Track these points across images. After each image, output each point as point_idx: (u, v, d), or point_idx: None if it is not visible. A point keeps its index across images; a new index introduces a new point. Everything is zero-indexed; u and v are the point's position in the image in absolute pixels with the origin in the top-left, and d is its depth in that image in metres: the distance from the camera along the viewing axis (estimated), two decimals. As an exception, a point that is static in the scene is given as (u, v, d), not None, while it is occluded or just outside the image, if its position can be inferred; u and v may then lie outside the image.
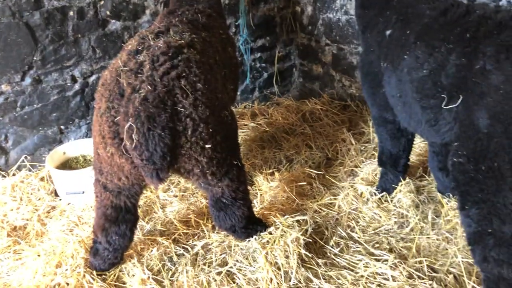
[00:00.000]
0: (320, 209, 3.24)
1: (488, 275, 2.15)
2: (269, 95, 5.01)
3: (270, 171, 3.63)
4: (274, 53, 4.91)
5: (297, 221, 2.95)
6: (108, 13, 3.70)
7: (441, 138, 2.36)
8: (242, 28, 4.37)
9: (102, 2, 3.64)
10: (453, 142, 2.17)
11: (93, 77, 3.76)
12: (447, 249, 2.84)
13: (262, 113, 4.54)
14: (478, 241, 2.13)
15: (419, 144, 3.80)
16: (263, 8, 4.63)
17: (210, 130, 2.35)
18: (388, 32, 2.69)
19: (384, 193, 3.27)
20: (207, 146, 2.36)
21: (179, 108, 2.24)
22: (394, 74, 2.57)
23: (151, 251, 2.85)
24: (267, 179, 3.53)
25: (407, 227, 3.04)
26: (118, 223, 2.63)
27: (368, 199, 3.27)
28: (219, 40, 2.99)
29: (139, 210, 2.82)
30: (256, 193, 3.39)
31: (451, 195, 3.18)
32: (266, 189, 3.42)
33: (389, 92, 2.68)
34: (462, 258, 2.70)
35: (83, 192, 3.32)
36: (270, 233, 2.85)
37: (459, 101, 2.12)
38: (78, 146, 3.71)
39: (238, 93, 4.72)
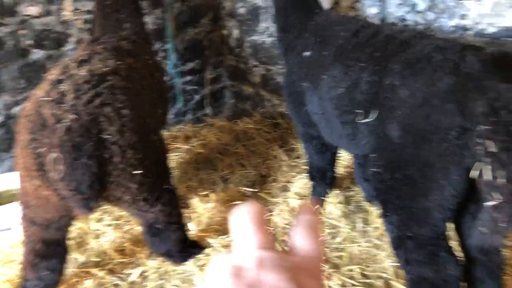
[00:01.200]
0: (256, 226, 3.30)
1: (411, 277, 2.29)
2: (202, 117, 5.05)
3: (206, 192, 3.66)
4: (204, 75, 4.98)
5: (233, 240, 2.98)
6: (30, 42, 3.61)
7: (361, 151, 2.51)
8: (170, 53, 4.41)
9: (23, 31, 3.54)
10: (371, 154, 2.32)
11: (17, 108, 3.63)
12: (376, 255, 2.99)
13: (195, 135, 4.57)
14: (400, 245, 2.27)
15: (346, 157, 3.99)
16: (190, 32, 4.70)
17: (139, 156, 2.35)
18: (307, 54, 2.84)
19: (316, 205, 3.40)
20: (136, 172, 2.36)
21: (105, 136, 2.23)
22: (315, 93, 2.71)
23: (85, 283, 2.76)
24: (203, 200, 3.55)
25: (339, 237, 3.17)
26: (48, 258, 2.54)
27: (301, 213, 3.37)
28: (145, 65, 3.01)
29: (72, 242, 2.74)
30: (192, 216, 3.39)
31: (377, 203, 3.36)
32: (202, 211, 3.43)
33: (312, 110, 2.82)
34: (391, 262, 2.85)
35: (10, 229, 3.17)
36: (207, 254, 2.87)
37: (374, 116, 2.27)
38: (2, 180, 3.55)
39: (171, 116, 4.75)
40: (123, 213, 3.43)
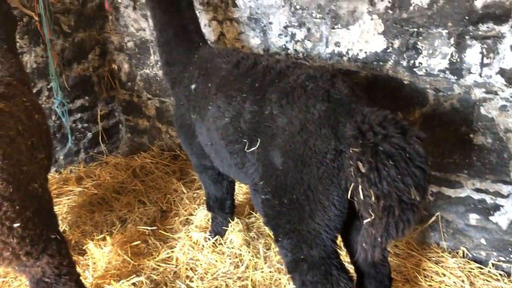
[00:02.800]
0: (158, 265, 3.20)
1: (309, 298, 2.35)
2: (96, 155, 4.84)
3: (102, 236, 3.48)
4: (95, 112, 4.80)
5: (133, 284, 2.87)
6: None
7: (250, 180, 2.55)
8: (55, 91, 4.19)
9: None
10: (259, 181, 2.36)
11: None
12: (279, 279, 3.03)
13: (89, 176, 4.35)
14: (295, 268, 2.32)
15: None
16: (76, 68, 4.52)
17: (17, 207, 2.19)
18: (193, 86, 2.85)
19: (217, 236, 3.38)
20: (15, 225, 2.19)
21: (-25, 190, 2.05)
22: (203, 125, 2.73)
23: None
24: (99, 245, 3.37)
25: (242, 265, 3.17)
26: None
27: (203, 246, 3.34)
28: (22, 108, 2.82)
29: None
30: (88, 263, 3.21)
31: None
32: (99, 256, 3.25)
33: (202, 141, 2.83)
34: (293, 285, 2.90)
35: None
36: (105, 303, 2.71)
37: (258, 144, 2.32)
38: None
39: (61, 157, 4.49)
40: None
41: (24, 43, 4.02)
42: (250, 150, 2.37)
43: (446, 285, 3.01)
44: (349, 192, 1.96)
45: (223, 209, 3.31)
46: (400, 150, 1.87)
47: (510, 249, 3.09)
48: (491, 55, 2.73)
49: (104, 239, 3.43)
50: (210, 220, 3.46)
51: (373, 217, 1.89)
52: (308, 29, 3.37)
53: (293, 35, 3.47)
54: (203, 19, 3.85)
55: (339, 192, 2.11)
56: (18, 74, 3.15)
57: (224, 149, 2.57)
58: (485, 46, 2.74)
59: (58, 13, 4.22)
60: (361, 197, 1.89)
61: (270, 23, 3.54)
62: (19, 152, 2.45)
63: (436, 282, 3.05)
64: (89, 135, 4.80)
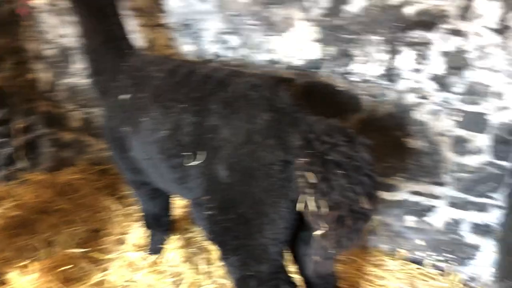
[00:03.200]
0: (91, 290, 2.96)
1: (258, 314, 2.26)
2: (15, 172, 4.43)
3: (26, 262, 3.15)
4: (12, 126, 4.39)
5: (65, 313, 2.62)
6: None
7: (192, 195, 2.42)
8: (-35, 104, 3.78)
9: None
10: (204, 196, 2.24)
11: None
12: (223, 295, 2.92)
13: (8, 196, 3.96)
14: (243, 286, 2.23)
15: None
16: (-11, 79, 4.11)
17: None
18: (124, 97, 2.67)
19: (156, 254, 3.20)
20: None
21: None
22: (137, 138, 2.56)
23: None
24: (23, 272, 3.05)
25: (183, 283, 3.01)
26: None
27: (140, 266, 3.14)
28: None
29: None
30: (11, 294, 2.89)
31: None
32: (23, 285, 2.94)
33: (137, 156, 2.65)
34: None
35: None
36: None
37: (202, 158, 2.20)
38: None
39: (-25, 177, 4.06)
40: None
41: None
42: (192, 164, 2.24)
43: None
44: (299, 204, 1.90)
45: (161, 225, 3.14)
46: (349, 158, 1.85)
47: (444, 248, 3.21)
48: (422, 60, 2.82)
49: (27, 265, 3.11)
50: (148, 238, 3.27)
51: (324, 228, 1.85)
52: (242, 36, 3.30)
53: (226, 42, 3.38)
54: (131, 25, 3.64)
55: (288, 204, 2.05)
56: None
57: (163, 163, 2.42)
58: (416, 52, 2.82)
59: (-34, 18, 3.82)
60: (312, 208, 1.84)
61: (203, 29, 3.43)
62: None
63: (378, 285, 3.09)
64: (7, 151, 4.38)
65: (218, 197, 2.16)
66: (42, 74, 4.40)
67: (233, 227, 2.14)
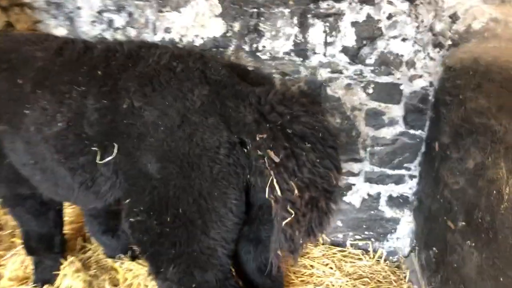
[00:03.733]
0: None
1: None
2: None
3: None
4: None
5: None
6: None
7: (103, 201, 1.92)
8: None
9: None
10: (124, 200, 1.77)
11: None
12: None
13: None
14: (185, 301, 1.81)
15: (65, 211, 3.21)
16: None
17: None
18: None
19: (47, 285, 2.55)
20: None
21: None
22: (18, 137, 1.95)
23: None
24: None
25: (88, 314, 2.45)
26: None
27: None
28: None
29: None
30: None
31: (122, 255, 2.80)
32: None
33: (18, 161, 2.03)
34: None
35: None
36: None
37: (115, 151, 1.73)
38: None
39: None
40: None
41: None
42: (105, 161, 1.74)
43: (317, 276, 2.89)
44: (266, 191, 1.57)
45: (51, 248, 2.51)
46: (312, 130, 1.58)
47: (364, 226, 3.16)
48: (334, 33, 2.69)
49: None
50: (32, 267, 2.59)
51: (293, 215, 1.55)
52: (130, 14, 2.82)
53: (110, 22, 2.85)
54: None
55: (237, 194, 1.70)
56: None
57: (59, 165, 1.87)
58: (327, 24, 2.67)
59: None
60: (278, 192, 1.53)
61: (79, 8, 2.85)
62: None
63: (306, 276, 2.90)
64: None
65: (147, 198, 1.71)
66: None
67: (170, 232, 1.72)
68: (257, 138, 1.56)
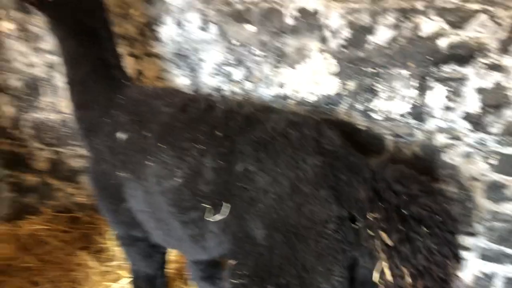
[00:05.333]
0: None
1: None
2: (-34, 223, 3.78)
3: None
4: (-34, 167, 3.78)
5: None
6: None
7: (209, 255, 1.97)
8: None
9: None
10: (229, 259, 1.80)
11: None
12: None
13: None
14: None
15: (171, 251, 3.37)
16: None
17: None
18: (120, 136, 2.21)
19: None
20: None
21: None
22: (138, 186, 2.09)
23: None
24: None
25: None
26: None
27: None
28: None
29: None
30: None
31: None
32: None
33: (136, 207, 2.18)
34: None
35: None
36: None
37: (226, 212, 1.77)
38: None
39: None
40: None
41: None
42: (217, 219, 1.80)
43: None
44: (375, 274, 1.50)
45: (155, 288, 2.63)
46: (430, 212, 1.48)
47: None
48: (455, 98, 2.55)
49: None
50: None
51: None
52: (248, 68, 2.94)
53: (229, 75, 3.01)
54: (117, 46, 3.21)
55: (342, 271, 1.64)
56: None
57: (173, 217, 1.96)
58: (448, 88, 2.55)
59: None
60: (389, 278, 1.44)
61: (201, 60, 3.05)
62: None
63: None
64: (-43, 196, 3.74)
65: (252, 263, 1.72)
66: (5, 108, 3.84)
67: (271, 301, 1.70)
68: (369, 217, 1.50)
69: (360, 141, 2.79)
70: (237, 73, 2.98)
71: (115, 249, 3.34)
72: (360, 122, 2.77)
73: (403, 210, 1.48)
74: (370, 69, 2.66)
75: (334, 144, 1.75)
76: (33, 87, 3.69)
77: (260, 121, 1.87)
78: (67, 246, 3.46)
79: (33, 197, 4.06)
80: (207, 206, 1.83)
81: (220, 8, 2.88)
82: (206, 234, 1.90)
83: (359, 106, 2.75)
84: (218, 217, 1.80)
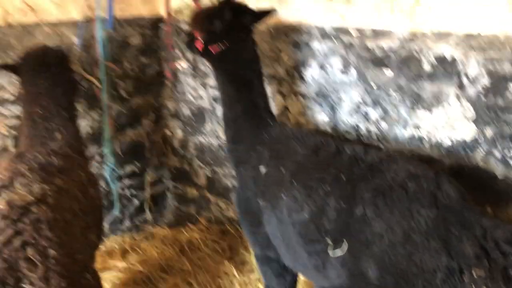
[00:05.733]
0: None
1: None
2: (141, 224, 4.59)
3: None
4: (144, 178, 4.60)
5: None
6: None
7: (331, 284, 2.21)
8: (107, 157, 4.03)
9: None
10: (344, 291, 2.03)
11: None
12: None
13: (134, 249, 4.07)
14: None
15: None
16: (129, 133, 4.38)
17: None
18: (262, 169, 2.60)
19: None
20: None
21: (25, 286, 1.82)
22: (273, 214, 2.44)
23: None
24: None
25: None
26: None
27: None
28: (78, 184, 2.63)
29: None
30: None
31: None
32: None
33: (270, 232, 2.53)
34: None
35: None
36: None
37: (345, 249, 2.01)
38: None
39: (106, 225, 4.25)
40: None
41: (80, 108, 3.91)
42: (337, 256, 2.04)
43: None
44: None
45: (284, 306, 2.94)
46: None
47: None
48: None
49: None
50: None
51: None
52: (384, 109, 3.11)
53: (366, 115, 3.21)
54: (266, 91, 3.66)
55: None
56: (75, 145, 2.99)
57: (300, 247, 2.26)
58: None
59: (118, 78, 4.15)
60: None
61: (340, 99, 3.31)
62: (74, 238, 2.22)
63: None
64: (136, 202, 4.58)
65: (363, 298, 1.92)
66: (176, 131, 4.60)
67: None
68: (474, 273, 1.60)
69: (495, 189, 2.74)
70: (374, 113, 3.17)
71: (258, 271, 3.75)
72: (498, 170, 2.73)
73: (509, 271, 1.54)
74: (509, 116, 2.63)
75: (450, 198, 1.85)
76: (200, 115, 4.37)
77: (381, 170, 2.06)
78: (216, 255, 4.00)
79: (193, 208, 4.74)
80: (329, 242, 2.09)
81: (360, 53, 3.12)
82: (327, 265, 2.15)
83: (497, 154, 2.72)
84: (338, 252, 2.04)
